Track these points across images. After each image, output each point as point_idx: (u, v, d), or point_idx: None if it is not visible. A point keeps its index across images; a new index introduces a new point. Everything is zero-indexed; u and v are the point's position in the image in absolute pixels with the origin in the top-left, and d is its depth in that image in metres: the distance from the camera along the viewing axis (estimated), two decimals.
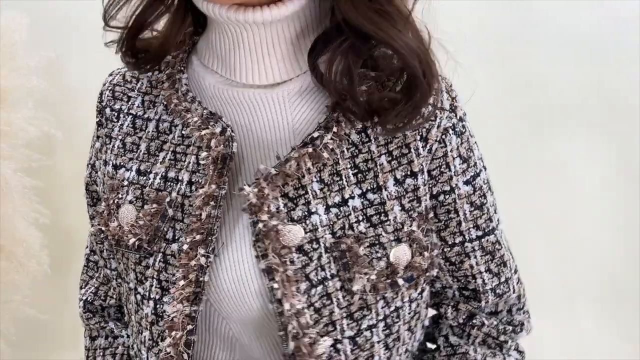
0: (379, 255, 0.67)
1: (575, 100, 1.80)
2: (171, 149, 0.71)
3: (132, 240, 0.69)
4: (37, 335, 1.68)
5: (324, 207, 0.66)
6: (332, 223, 0.66)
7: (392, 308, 0.69)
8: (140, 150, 0.73)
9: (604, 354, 1.82)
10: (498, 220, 0.76)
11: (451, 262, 0.75)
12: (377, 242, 0.67)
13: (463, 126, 0.72)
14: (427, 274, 0.70)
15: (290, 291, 0.64)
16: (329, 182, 0.67)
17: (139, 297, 0.70)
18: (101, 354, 0.83)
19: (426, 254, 0.69)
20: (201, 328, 0.70)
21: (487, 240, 0.74)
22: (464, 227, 0.73)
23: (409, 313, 0.71)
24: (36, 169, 1.49)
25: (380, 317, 0.68)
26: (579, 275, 1.85)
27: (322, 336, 0.65)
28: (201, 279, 0.66)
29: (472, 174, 0.72)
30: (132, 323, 0.74)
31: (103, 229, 0.73)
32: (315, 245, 0.66)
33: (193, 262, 0.66)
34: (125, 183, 0.72)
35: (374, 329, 0.68)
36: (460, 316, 0.78)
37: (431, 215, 0.71)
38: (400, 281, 0.67)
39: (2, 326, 1.43)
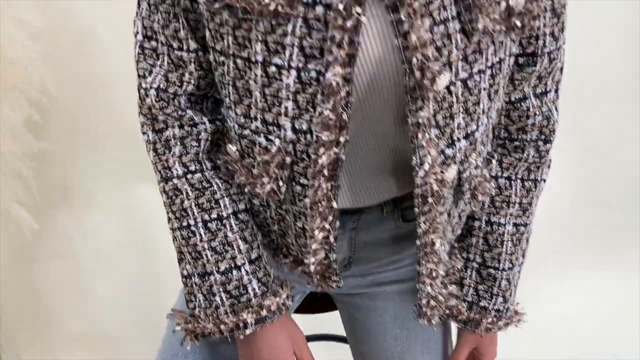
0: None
1: None
2: None
3: (272, 6, 0.63)
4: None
5: None
6: None
7: (497, 58, 0.71)
8: None
9: None
10: None
11: None
12: None
13: None
14: (533, 23, 0.73)
15: (417, 24, 0.63)
16: None
17: (273, 68, 0.67)
18: (178, 143, 0.79)
19: None
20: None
21: (559, 2, 0.75)
22: None
23: (508, 67, 0.75)
24: None
25: (489, 64, 0.70)
26: None
27: (440, 73, 0.66)
28: (355, 39, 0.64)
29: None
30: (252, 101, 0.71)
31: None
32: None
33: (349, 23, 0.63)
34: None
35: (482, 75, 0.70)
36: (513, 91, 0.82)
37: None
38: (518, 23, 0.68)
39: None
